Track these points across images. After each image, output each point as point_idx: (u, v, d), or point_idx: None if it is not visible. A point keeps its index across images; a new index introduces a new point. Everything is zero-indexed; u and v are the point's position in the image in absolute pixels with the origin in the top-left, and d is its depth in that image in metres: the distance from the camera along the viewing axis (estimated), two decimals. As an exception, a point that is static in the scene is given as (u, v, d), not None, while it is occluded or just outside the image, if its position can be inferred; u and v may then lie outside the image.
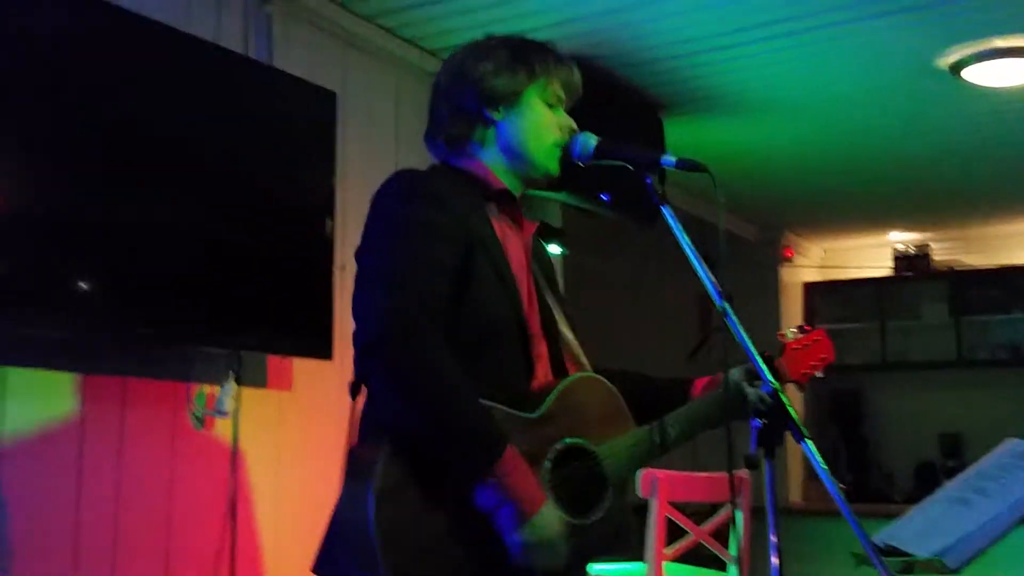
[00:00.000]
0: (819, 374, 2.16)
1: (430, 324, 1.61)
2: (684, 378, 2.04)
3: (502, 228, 1.86)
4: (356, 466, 1.62)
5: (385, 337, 1.58)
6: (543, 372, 1.84)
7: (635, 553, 2.43)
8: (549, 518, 1.63)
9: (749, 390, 1.80)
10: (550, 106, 1.90)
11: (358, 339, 1.62)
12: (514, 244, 1.88)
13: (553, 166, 1.90)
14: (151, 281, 2.66)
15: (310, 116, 3.19)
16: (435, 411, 1.59)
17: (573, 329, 1.98)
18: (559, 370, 1.88)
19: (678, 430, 1.87)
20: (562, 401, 1.76)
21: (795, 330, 2.15)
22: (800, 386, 2.15)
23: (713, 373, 1.99)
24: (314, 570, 1.72)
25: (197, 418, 2.90)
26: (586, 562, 1.76)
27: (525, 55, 1.89)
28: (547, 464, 1.70)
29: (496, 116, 1.88)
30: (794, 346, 2.13)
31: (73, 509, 2.57)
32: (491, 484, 1.58)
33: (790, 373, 2.10)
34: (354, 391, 1.76)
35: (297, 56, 3.35)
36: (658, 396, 1.95)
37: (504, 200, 1.89)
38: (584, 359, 1.94)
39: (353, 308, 1.66)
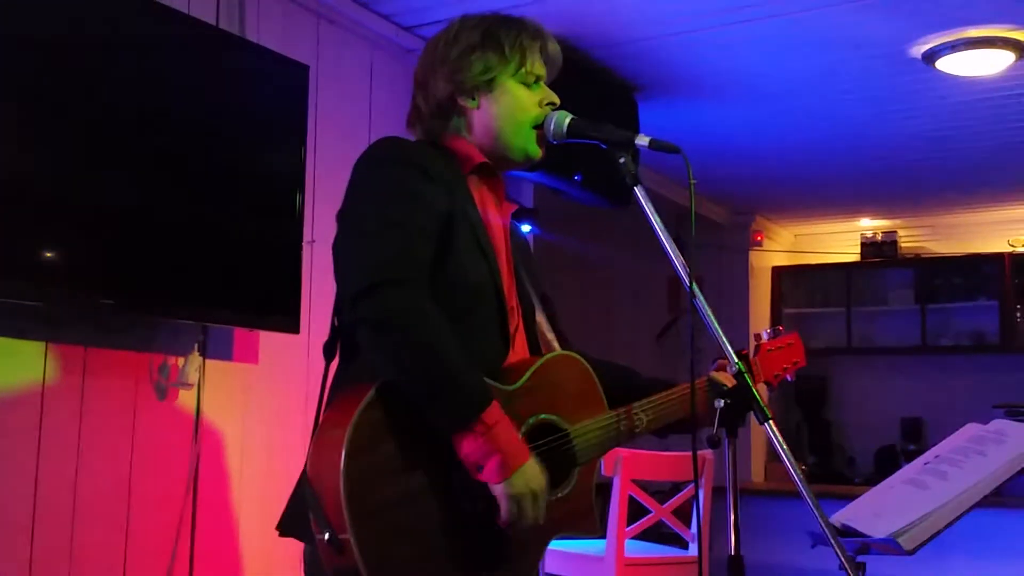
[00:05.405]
0: (790, 378, 2.21)
1: (417, 277, 1.63)
2: (668, 380, 2.05)
3: (483, 202, 1.87)
4: (326, 426, 1.61)
5: (377, 284, 1.59)
6: (520, 347, 1.85)
7: (597, 531, 2.46)
8: (536, 470, 1.64)
9: (717, 402, 1.81)
10: (527, 85, 1.89)
11: (345, 290, 1.63)
12: (495, 218, 1.89)
13: (532, 148, 1.89)
14: (116, 251, 2.63)
15: (282, 89, 3.16)
16: (426, 355, 1.59)
17: (550, 313, 1.99)
18: (534, 347, 1.90)
19: (648, 418, 1.90)
20: (540, 376, 1.78)
21: (770, 331, 2.19)
22: (771, 386, 2.19)
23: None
24: (280, 528, 1.72)
25: (160, 389, 2.88)
26: (549, 537, 1.78)
27: (495, 36, 1.87)
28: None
29: (470, 104, 1.87)
30: (768, 347, 2.17)
31: (32, 478, 2.55)
32: (478, 433, 1.58)
33: (763, 373, 2.14)
34: (329, 352, 1.76)
35: (270, 28, 3.32)
36: (640, 393, 1.96)
37: (486, 173, 1.89)
38: (556, 344, 1.95)
39: (337, 263, 1.68)
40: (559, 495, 1.76)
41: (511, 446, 1.62)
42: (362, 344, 1.66)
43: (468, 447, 1.60)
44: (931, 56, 3.98)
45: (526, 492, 1.61)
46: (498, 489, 1.60)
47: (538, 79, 1.90)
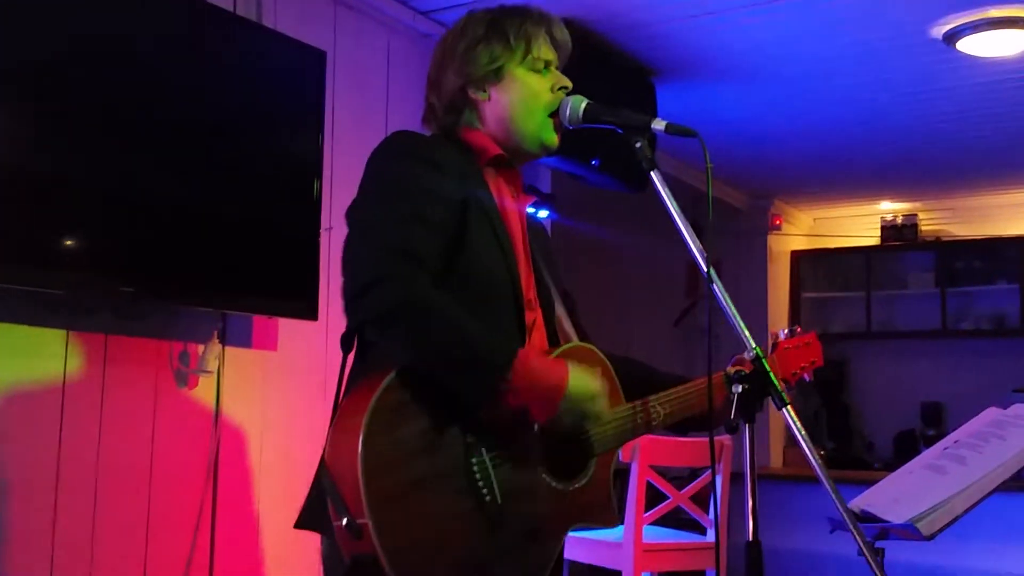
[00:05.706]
0: (807, 377, 2.21)
1: (421, 270, 1.63)
2: (686, 376, 2.05)
3: (500, 193, 1.86)
4: (344, 413, 1.61)
5: (371, 283, 1.60)
6: (538, 340, 1.85)
7: (617, 523, 2.47)
8: (579, 379, 1.69)
9: (735, 387, 1.80)
10: (537, 72, 1.88)
11: (349, 287, 1.63)
12: (511, 210, 1.88)
13: (548, 135, 1.88)
14: (136, 239, 2.65)
15: (299, 75, 3.16)
16: (439, 335, 1.61)
17: (569, 308, 1.99)
18: (552, 341, 1.89)
19: (665, 411, 1.91)
20: None
21: (787, 331, 2.19)
22: (788, 385, 2.19)
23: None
24: (297, 525, 1.73)
25: (180, 376, 2.90)
26: (566, 528, 1.77)
27: (499, 26, 1.87)
28: (537, 427, 1.71)
29: (481, 97, 1.87)
30: (786, 345, 2.17)
31: (54, 465, 2.57)
32: (513, 387, 1.61)
33: (780, 371, 2.14)
34: (346, 344, 1.76)
35: (286, 14, 3.32)
36: (657, 387, 1.96)
37: (502, 165, 1.89)
38: (574, 338, 1.95)
39: (343, 260, 1.68)
40: (576, 486, 1.76)
41: (548, 378, 1.65)
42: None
43: (509, 402, 1.63)
44: (952, 37, 3.94)
45: (577, 408, 1.68)
46: (561, 422, 1.67)
47: (548, 64, 1.89)
